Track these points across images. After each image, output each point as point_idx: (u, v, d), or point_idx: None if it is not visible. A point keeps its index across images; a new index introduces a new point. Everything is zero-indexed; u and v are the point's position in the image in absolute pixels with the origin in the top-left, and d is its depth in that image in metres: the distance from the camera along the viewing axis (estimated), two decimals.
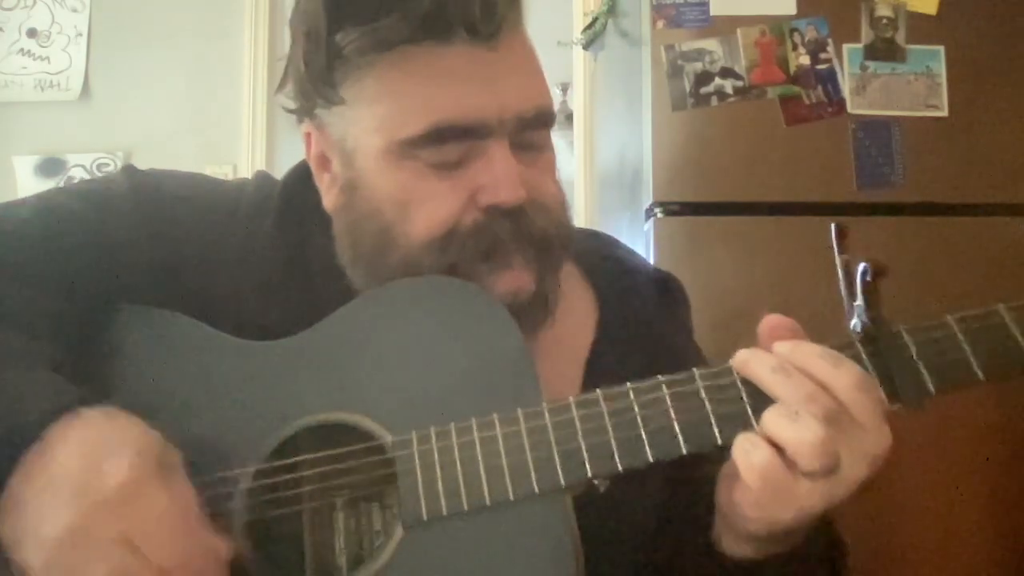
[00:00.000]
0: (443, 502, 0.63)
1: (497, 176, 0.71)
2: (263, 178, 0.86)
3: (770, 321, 0.65)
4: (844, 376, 0.60)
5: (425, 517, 0.63)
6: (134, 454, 0.61)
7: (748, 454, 0.59)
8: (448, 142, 0.71)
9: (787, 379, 0.60)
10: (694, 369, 0.64)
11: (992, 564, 1.53)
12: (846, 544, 0.74)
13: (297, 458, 0.68)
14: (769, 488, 0.59)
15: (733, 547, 0.67)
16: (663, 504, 0.77)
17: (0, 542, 0.61)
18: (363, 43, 0.71)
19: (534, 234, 0.73)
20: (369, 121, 0.73)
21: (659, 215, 1.61)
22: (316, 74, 0.74)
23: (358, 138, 0.74)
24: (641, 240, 1.67)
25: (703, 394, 0.63)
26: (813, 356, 0.61)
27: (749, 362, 0.63)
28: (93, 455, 0.61)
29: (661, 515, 0.77)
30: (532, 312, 0.74)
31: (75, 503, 0.59)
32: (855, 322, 0.64)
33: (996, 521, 1.53)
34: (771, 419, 0.59)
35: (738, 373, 0.63)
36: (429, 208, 0.72)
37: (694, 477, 0.71)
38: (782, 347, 0.62)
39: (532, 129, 0.74)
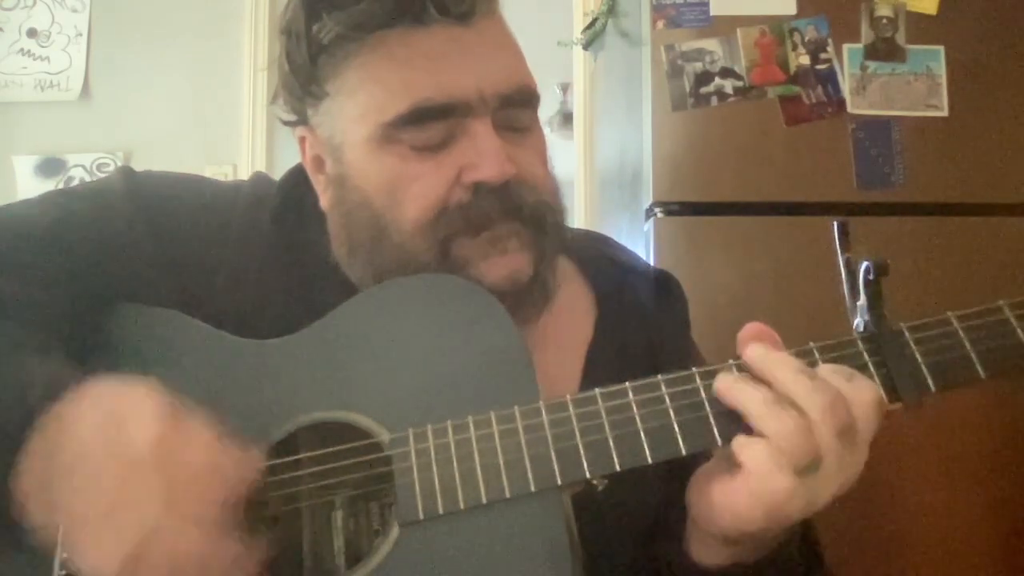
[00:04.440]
0: (439, 501, 0.63)
1: (481, 153, 0.72)
2: (260, 179, 0.87)
3: (751, 330, 0.64)
4: (860, 392, 0.60)
5: (421, 516, 0.63)
6: (155, 406, 0.61)
7: (772, 476, 0.59)
8: (430, 122, 0.72)
9: (811, 382, 0.59)
10: (693, 368, 0.64)
11: (992, 563, 1.52)
12: (821, 544, 0.74)
13: (294, 456, 0.68)
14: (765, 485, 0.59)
15: (704, 555, 0.66)
16: (662, 504, 0.77)
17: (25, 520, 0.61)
18: (340, 30, 0.72)
19: (524, 210, 0.74)
20: (353, 111, 0.74)
21: (659, 215, 1.61)
22: (299, 69, 0.75)
23: (344, 131, 0.75)
24: (641, 240, 1.67)
25: (703, 393, 0.63)
26: (828, 373, 0.61)
27: (765, 359, 0.62)
28: (115, 419, 0.60)
29: (660, 515, 0.77)
30: (530, 297, 0.75)
31: (109, 471, 0.58)
32: (857, 321, 0.64)
33: (996, 521, 1.53)
34: (759, 410, 0.60)
35: (723, 399, 0.62)
36: (416, 190, 0.73)
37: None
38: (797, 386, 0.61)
39: (515, 108, 0.75)
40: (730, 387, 0.61)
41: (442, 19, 0.72)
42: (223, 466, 0.61)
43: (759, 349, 0.62)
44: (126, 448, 0.59)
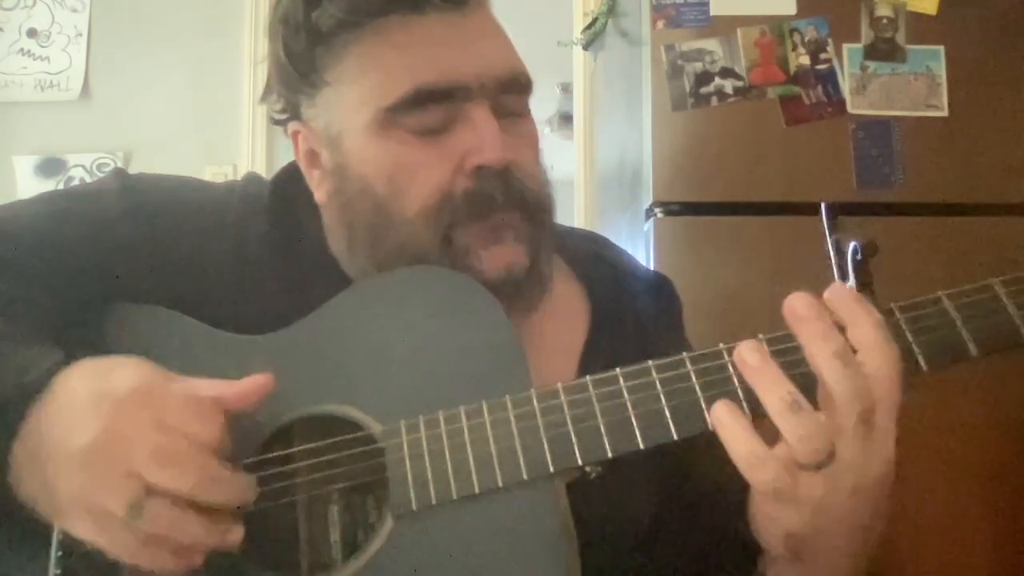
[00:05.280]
0: (432, 491, 0.63)
1: (481, 137, 0.72)
2: (253, 178, 0.87)
3: (798, 300, 0.61)
4: (895, 380, 0.58)
5: (415, 507, 0.63)
6: (138, 363, 0.63)
7: (756, 467, 0.58)
8: (430, 105, 0.72)
9: (844, 370, 0.57)
10: (684, 354, 0.63)
11: (992, 563, 1.52)
12: None
13: (288, 450, 0.68)
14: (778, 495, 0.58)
15: None
16: (660, 493, 0.77)
17: (26, 501, 0.62)
18: (339, 17, 0.73)
19: (525, 196, 0.74)
20: (353, 98, 0.74)
21: (659, 215, 1.61)
22: (298, 59, 0.75)
23: (343, 119, 0.75)
24: (641, 240, 1.67)
25: (693, 378, 0.62)
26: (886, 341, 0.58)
27: (808, 323, 0.58)
28: (98, 373, 0.63)
29: (658, 504, 0.77)
30: (527, 288, 0.75)
31: (96, 411, 0.60)
32: None
33: (996, 521, 1.53)
34: (772, 401, 0.58)
35: (790, 322, 0.59)
36: (419, 178, 0.73)
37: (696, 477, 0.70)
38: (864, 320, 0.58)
39: (510, 93, 0.75)
40: (755, 369, 0.59)
41: (439, 5, 0.73)
42: (208, 401, 0.62)
43: (802, 305, 0.59)
44: (109, 392, 0.61)
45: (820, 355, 0.58)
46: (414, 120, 0.72)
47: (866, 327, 0.58)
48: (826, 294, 0.60)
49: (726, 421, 0.58)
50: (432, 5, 0.72)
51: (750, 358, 0.59)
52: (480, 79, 0.73)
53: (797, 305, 0.60)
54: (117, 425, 0.59)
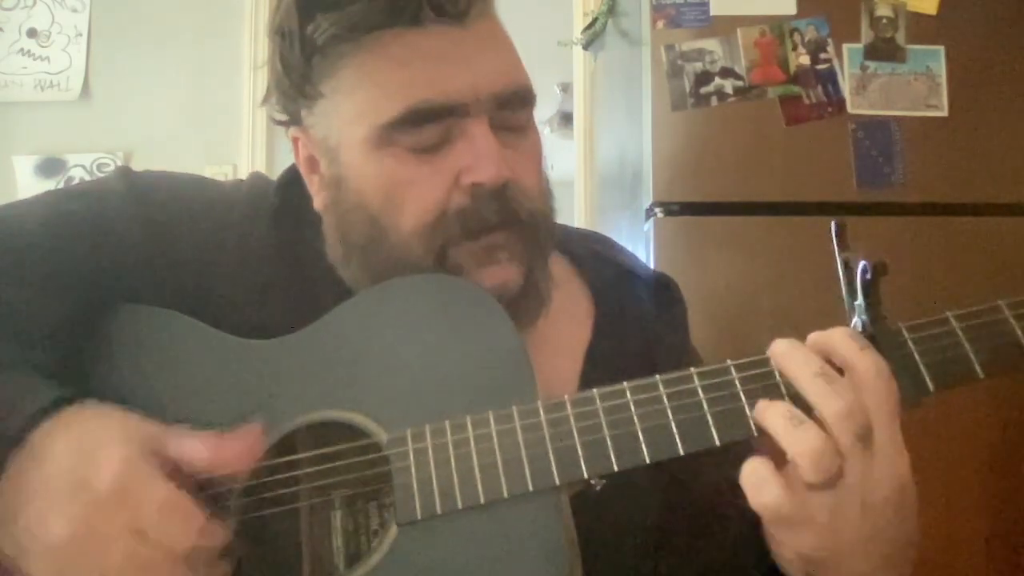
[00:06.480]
0: (437, 500, 0.63)
1: (479, 155, 0.71)
2: (258, 179, 0.87)
3: (777, 343, 0.63)
4: (884, 391, 0.59)
5: (419, 515, 0.63)
6: (123, 444, 0.60)
7: (759, 489, 0.58)
8: (427, 123, 0.71)
9: (828, 386, 0.58)
10: (691, 368, 0.63)
11: (992, 564, 1.52)
12: None
13: (293, 456, 0.68)
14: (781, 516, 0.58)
15: None
16: (664, 506, 0.76)
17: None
18: (334, 31, 0.71)
19: (520, 214, 0.73)
20: (349, 112, 0.73)
21: (659, 215, 1.61)
22: (293, 70, 0.74)
23: (340, 132, 0.74)
24: (641, 240, 1.67)
25: (700, 394, 0.62)
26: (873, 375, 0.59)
27: (787, 356, 0.61)
28: (82, 452, 0.60)
29: (662, 517, 0.76)
30: (525, 303, 0.74)
31: (74, 504, 0.58)
32: (855, 321, 0.64)
33: (996, 521, 1.53)
34: (774, 422, 0.59)
35: (775, 365, 0.61)
36: (415, 194, 0.72)
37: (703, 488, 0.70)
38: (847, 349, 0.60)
39: (511, 108, 0.74)
40: (761, 410, 0.60)
41: (438, 20, 0.71)
42: (186, 503, 0.60)
43: (782, 345, 0.62)
44: (90, 485, 0.58)
45: (803, 377, 0.59)
46: (410, 138, 0.71)
47: (848, 349, 0.60)
48: (808, 337, 0.62)
49: (762, 406, 0.60)
50: (430, 19, 0.71)
51: (757, 407, 0.60)
52: (478, 95, 0.71)
53: (777, 347, 0.62)
54: (94, 526, 0.58)
